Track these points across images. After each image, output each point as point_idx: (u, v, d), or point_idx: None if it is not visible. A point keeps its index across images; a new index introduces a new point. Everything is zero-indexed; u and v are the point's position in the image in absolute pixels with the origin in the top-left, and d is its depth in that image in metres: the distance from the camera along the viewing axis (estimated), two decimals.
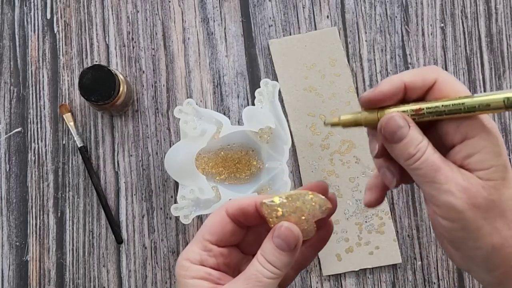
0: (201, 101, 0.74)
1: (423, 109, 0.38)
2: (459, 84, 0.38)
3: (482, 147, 0.36)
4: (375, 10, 0.75)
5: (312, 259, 0.44)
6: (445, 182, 0.36)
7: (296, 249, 0.39)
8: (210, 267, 0.41)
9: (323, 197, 0.40)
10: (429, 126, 0.39)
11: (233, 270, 0.42)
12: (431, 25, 0.75)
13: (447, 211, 0.37)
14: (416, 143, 0.37)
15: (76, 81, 0.74)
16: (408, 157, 0.37)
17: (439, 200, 0.37)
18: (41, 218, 0.73)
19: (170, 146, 0.73)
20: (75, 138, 0.73)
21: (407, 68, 0.74)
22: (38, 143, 0.74)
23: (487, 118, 0.37)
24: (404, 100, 0.39)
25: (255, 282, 0.38)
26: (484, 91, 0.75)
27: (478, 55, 0.75)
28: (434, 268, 0.72)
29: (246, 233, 0.43)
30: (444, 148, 0.39)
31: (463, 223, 0.37)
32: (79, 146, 0.72)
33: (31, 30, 0.75)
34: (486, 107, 0.36)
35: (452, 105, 0.37)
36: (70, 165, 0.73)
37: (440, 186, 0.37)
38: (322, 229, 0.42)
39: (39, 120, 0.74)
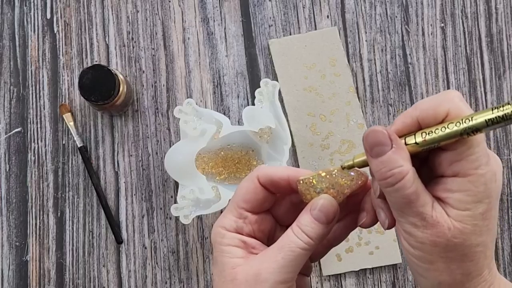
0: (201, 101, 0.74)
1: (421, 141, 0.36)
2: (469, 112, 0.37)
3: (466, 188, 0.36)
4: (375, 10, 0.75)
5: (343, 239, 0.45)
6: (412, 216, 0.36)
7: (334, 222, 0.40)
8: (246, 234, 0.42)
9: (356, 171, 0.41)
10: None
11: (268, 237, 0.43)
12: (431, 25, 0.75)
13: (408, 237, 0.37)
14: (392, 166, 0.36)
15: (76, 81, 0.74)
16: (381, 178, 0.36)
17: (403, 226, 0.37)
18: (41, 218, 0.73)
19: (170, 146, 0.73)
20: (75, 138, 0.73)
21: (407, 68, 0.74)
22: (38, 143, 0.74)
23: (484, 164, 0.36)
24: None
25: (287, 251, 0.39)
26: (484, 91, 0.75)
27: (478, 55, 0.75)
28: None
29: (277, 200, 0.44)
30: (431, 173, 0.38)
31: (420, 253, 0.37)
32: (79, 146, 0.72)
33: (31, 30, 0.75)
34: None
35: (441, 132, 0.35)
36: (70, 165, 0.73)
37: (407, 217, 0.37)
38: (358, 211, 0.43)
39: (39, 120, 0.74)
